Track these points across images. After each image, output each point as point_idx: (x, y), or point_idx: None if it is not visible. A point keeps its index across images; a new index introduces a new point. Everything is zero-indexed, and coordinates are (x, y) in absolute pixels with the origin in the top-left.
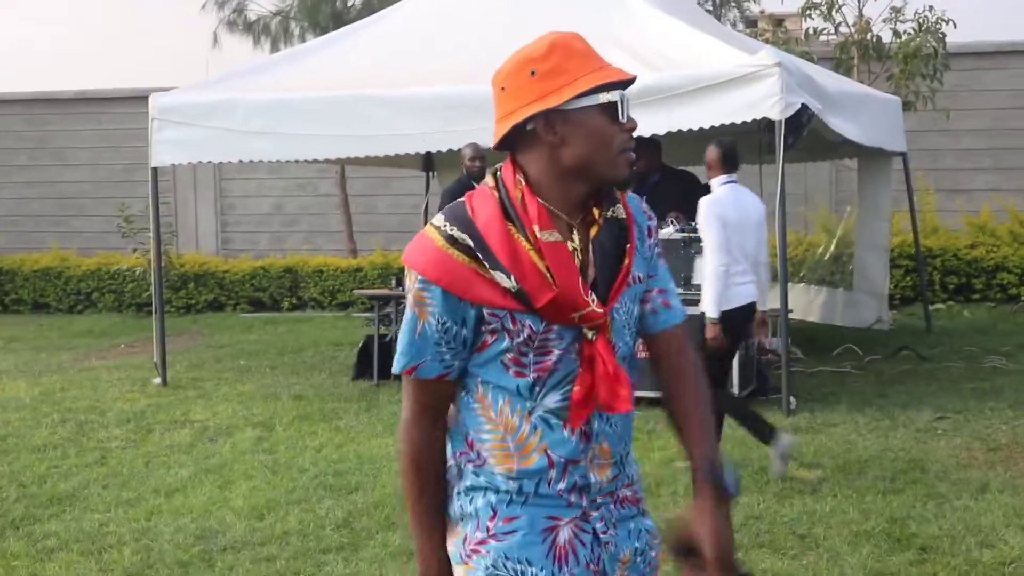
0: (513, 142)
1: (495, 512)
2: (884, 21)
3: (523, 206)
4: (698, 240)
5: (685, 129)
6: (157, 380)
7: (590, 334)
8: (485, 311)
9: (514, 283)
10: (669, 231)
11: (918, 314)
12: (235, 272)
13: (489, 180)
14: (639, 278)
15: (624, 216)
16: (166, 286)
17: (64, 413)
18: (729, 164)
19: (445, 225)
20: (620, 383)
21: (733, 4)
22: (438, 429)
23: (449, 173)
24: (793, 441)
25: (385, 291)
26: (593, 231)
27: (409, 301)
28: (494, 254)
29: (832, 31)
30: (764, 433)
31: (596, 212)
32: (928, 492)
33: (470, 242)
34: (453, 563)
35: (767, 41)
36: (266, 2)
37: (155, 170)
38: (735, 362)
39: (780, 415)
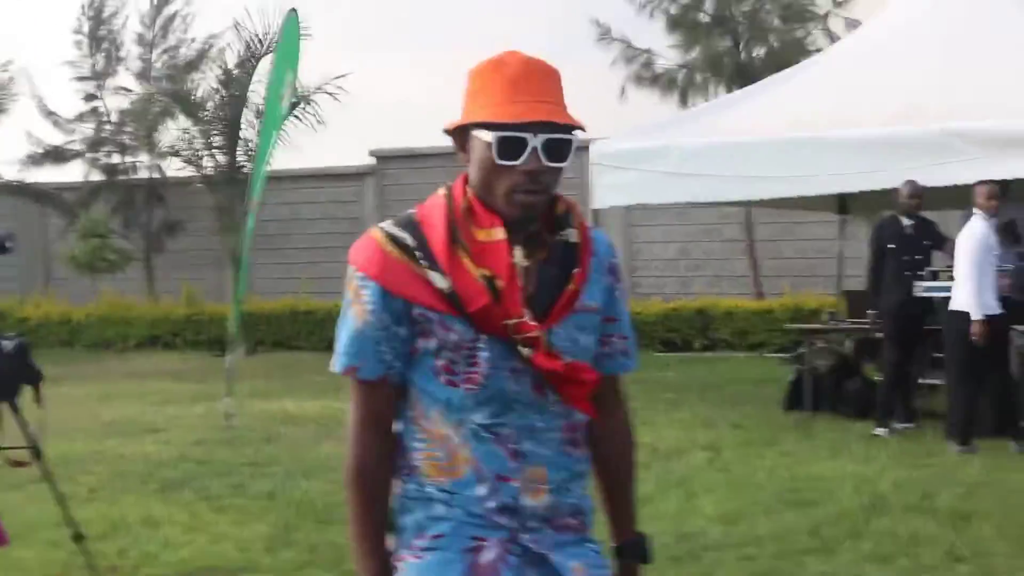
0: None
1: (422, 530)
2: None
3: (466, 212)
4: None
5: None
6: None
7: (525, 351)
8: (416, 310)
9: (448, 284)
10: None
11: None
12: (647, 314)
13: (441, 189)
14: (592, 308)
15: (578, 242)
16: None
17: None
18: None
19: (388, 225)
20: (581, 376)
21: None
22: (386, 439)
23: (863, 215)
24: None
25: (818, 325)
26: (542, 254)
27: (347, 299)
28: (433, 254)
29: None
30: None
31: (544, 234)
32: None
33: (409, 241)
34: None
35: None
36: (671, 55)
37: (595, 212)
38: None
39: None
